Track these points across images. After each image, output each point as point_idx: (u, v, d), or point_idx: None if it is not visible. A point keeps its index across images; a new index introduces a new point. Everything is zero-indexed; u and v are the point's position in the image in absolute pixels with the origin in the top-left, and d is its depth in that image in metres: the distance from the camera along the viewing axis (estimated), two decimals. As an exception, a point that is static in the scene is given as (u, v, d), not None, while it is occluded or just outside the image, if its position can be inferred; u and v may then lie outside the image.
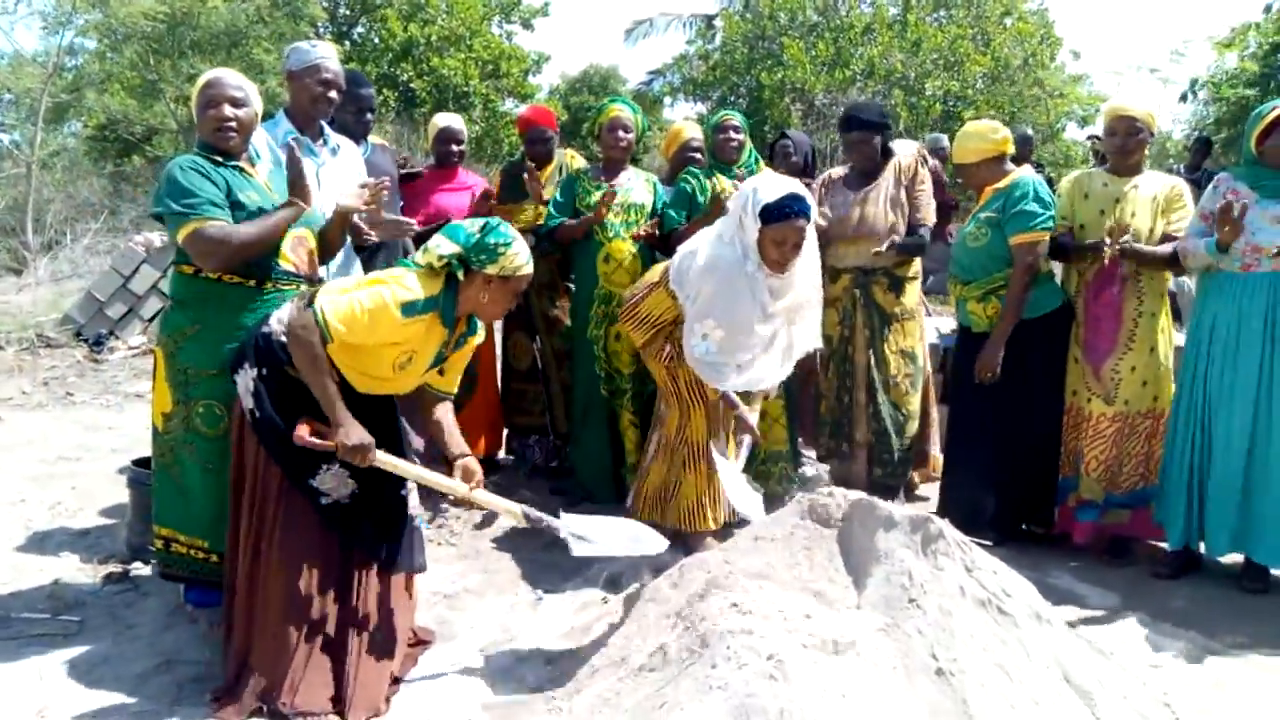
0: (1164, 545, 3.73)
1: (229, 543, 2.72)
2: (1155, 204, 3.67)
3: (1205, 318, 3.52)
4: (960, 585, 2.35)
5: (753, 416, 3.56)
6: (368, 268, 3.71)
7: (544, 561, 3.64)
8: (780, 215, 3.05)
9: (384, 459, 2.63)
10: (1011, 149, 3.91)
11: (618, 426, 4.19)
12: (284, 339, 2.58)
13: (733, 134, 4.05)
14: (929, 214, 4.13)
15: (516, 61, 16.94)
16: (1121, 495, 3.77)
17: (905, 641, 2.24)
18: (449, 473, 2.82)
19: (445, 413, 2.89)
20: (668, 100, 17.15)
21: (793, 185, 3.12)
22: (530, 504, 4.09)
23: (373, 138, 4.20)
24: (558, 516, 2.88)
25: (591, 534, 2.86)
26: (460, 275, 2.63)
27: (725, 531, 3.47)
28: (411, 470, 2.73)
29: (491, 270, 2.63)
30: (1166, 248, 3.59)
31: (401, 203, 4.26)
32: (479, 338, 2.89)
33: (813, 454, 4.56)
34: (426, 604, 3.23)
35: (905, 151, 4.20)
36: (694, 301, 3.27)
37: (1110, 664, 2.56)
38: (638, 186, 4.21)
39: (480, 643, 2.99)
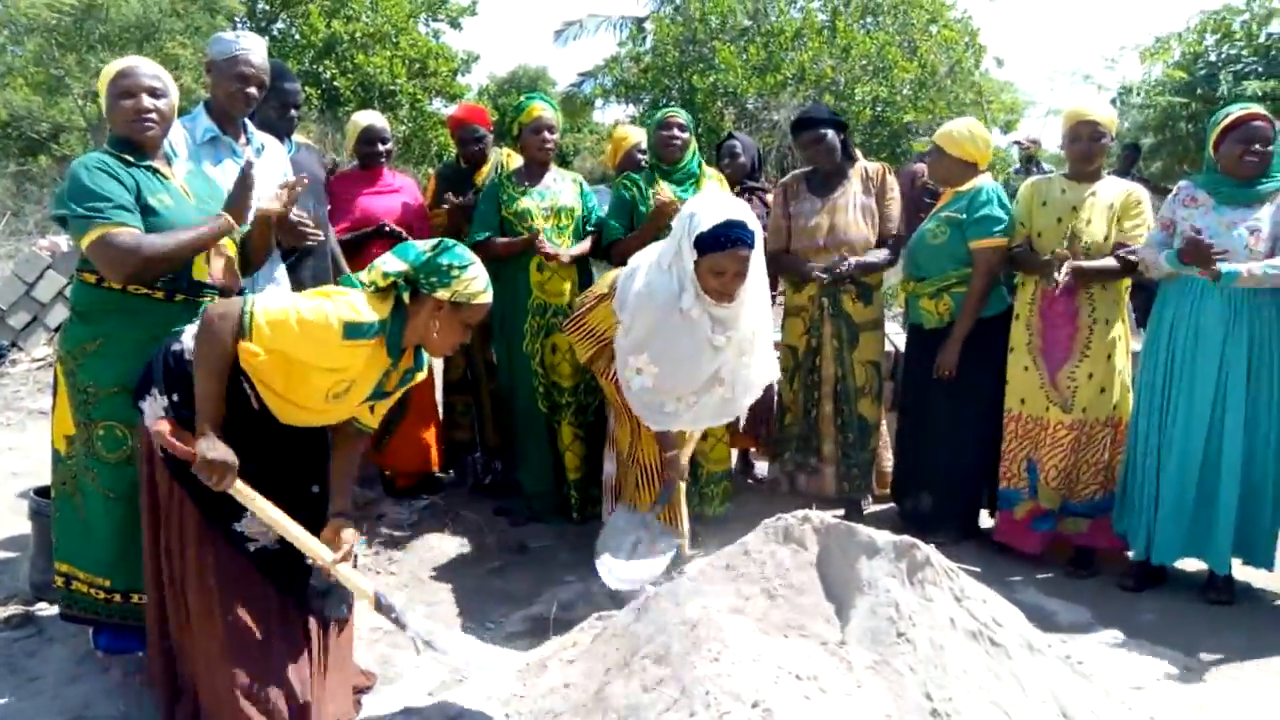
0: (1127, 554, 3.68)
1: (148, 586, 2.43)
2: (1112, 211, 3.62)
3: (1164, 322, 3.48)
4: (950, 616, 2.21)
5: (686, 452, 3.34)
6: (294, 277, 3.45)
7: (492, 589, 3.42)
8: (716, 245, 2.74)
9: (242, 490, 2.26)
10: (985, 164, 3.95)
11: (559, 444, 3.98)
12: None
13: (676, 132, 3.84)
14: (900, 225, 4.02)
15: (444, 61, 16.56)
16: (1079, 504, 3.72)
17: (897, 681, 2.08)
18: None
19: (352, 453, 2.54)
20: (599, 102, 16.96)
21: (733, 210, 2.80)
22: (472, 525, 3.99)
23: (297, 136, 3.93)
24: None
25: (441, 642, 2.53)
26: (407, 299, 2.34)
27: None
28: (273, 516, 2.30)
29: (442, 295, 2.32)
30: (1110, 261, 3.55)
31: (328, 206, 4.00)
32: (423, 374, 2.59)
33: (764, 464, 4.43)
34: (367, 641, 2.98)
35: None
36: (628, 332, 3.01)
37: (1097, 691, 2.45)
38: (565, 189, 3.98)
39: (428, 684, 2.76)
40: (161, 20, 12.47)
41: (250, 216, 2.76)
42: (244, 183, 2.56)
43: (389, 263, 2.33)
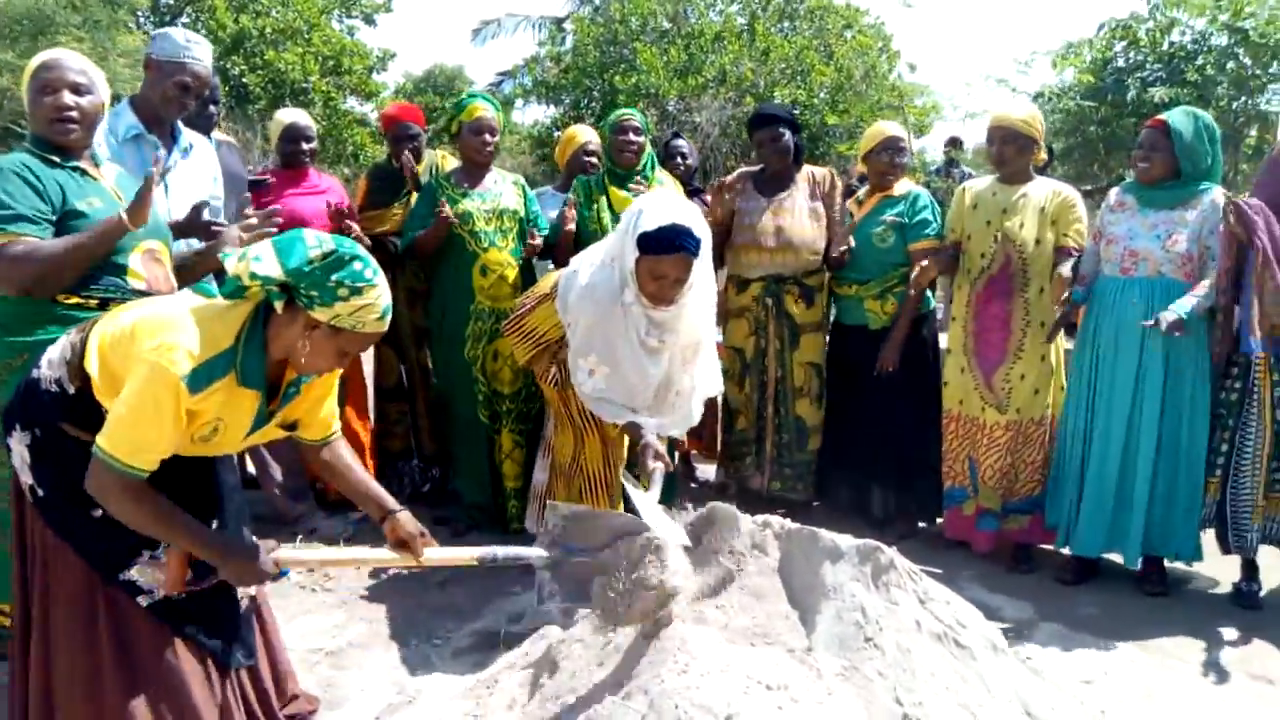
0: (1064, 550, 3.76)
1: (15, 648, 2.13)
2: (1044, 215, 3.69)
3: (1090, 322, 3.58)
4: (916, 619, 2.20)
5: (662, 443, 3.24)
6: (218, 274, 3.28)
7: (435, 603, 3.31)
8: (658, 246, 2.60)
9: (290, 557, 2.07)
10: None
11: (497, 453, 3.88)
12: (56, 388, 1.99)
13: (632, 136, 3.78)
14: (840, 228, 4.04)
15: (359, 58, 16.18)
16: (1019, 501, 3.80)
17: (866, 687, 2.06)
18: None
19: (339, 458, 2.26)
20: (519, 102, 16.77)
21: (680, 214, 2.63)
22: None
23: (218, 134, 3.77)
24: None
25: (579, 543, 2.34)
26: (279, 307, 1.91)
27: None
28: (334, 555, 2.17)
29: (320, 314, 1.89)
30: (1065, 269, 3.60)
31: (250, 208, 3.84)
32: (330, 376, 2.18)
33: (712, 467, 4.42)
34: (306, 664, 2.85)
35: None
36: (575, 332, 2.91)
37: (1050, 686, 2.48)
38: (506, 191, 3.88)
39: (374, 707, 2.63)
40: (56, 13, 11.87)
41: (176, 214, 2.59)
42: (146, 186, 2.34)
43: (264, 262, 1.88)
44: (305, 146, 4.10)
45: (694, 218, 2.67)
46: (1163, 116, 3.43)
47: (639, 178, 3.82)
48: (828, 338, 4.16)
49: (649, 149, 3.88)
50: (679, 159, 4.38)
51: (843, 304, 4.07)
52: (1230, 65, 6.99)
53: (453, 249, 3.75)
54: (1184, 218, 3.39)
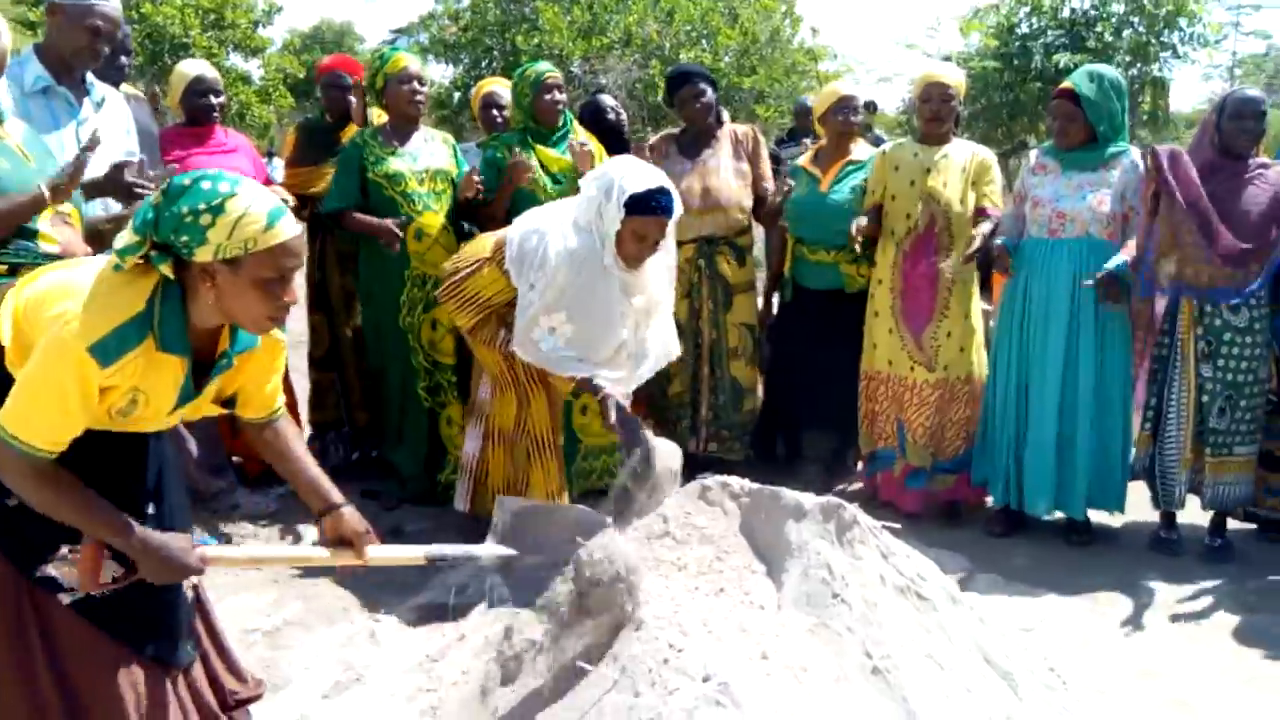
0: (986, 503, 3.88)
1: None
2: (965, 174, 3.76)
3: (1018, 282, 3.66)
4: (880, 574, 2.22)
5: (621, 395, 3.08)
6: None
7: (374, 578, 3.16)
8: (647, 208, 2.74)
9: (216, 554, 1.92)
10: None
11: (437, 423, 3.77)
12: None
13: (558, 94, 3.68)
14: (770, 181, 4.05)
15: (242, 12, 15.39)
16: (947, 461, 3.89)
17: (837, 642, 2.07)
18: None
19: (281, 439, 2.06)
20: (417, 61, 16.32)
21: (660, 177, 2.81)
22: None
23: (125, 87, 3.52)
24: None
25: (531, 540, 2.26)
26: (168, 271, 1.68)
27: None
28: (266, 553, 2.09)
29: (204, 255, 1.64)
30: (985, 226, 3.67)
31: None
32: (275, 350, 1.96)
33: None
34: (243, 645, 2.70)
35: None
36: (542, 293, 2.89)
37: (997, 635, 2.55)
38: (437, 150, 3.76)
39: (321, 687, 2.53)
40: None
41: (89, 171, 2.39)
42: (78, 166, 2.18)
43: (121, 236, 1.67)
44: (215, 100, 3.86)
45: (668, 180, 2.81)
46: (1067, 84, 3.53)
47: (568, 138, 3.73)
48: (788, 300, 4.17)
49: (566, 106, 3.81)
50: (611, 112, 4.28)
51: (813, 269, 4.05)
52: (1127, 33, 7.25)
53: (384, 213, 3.58)
54: (1106, 179, 3.50)
